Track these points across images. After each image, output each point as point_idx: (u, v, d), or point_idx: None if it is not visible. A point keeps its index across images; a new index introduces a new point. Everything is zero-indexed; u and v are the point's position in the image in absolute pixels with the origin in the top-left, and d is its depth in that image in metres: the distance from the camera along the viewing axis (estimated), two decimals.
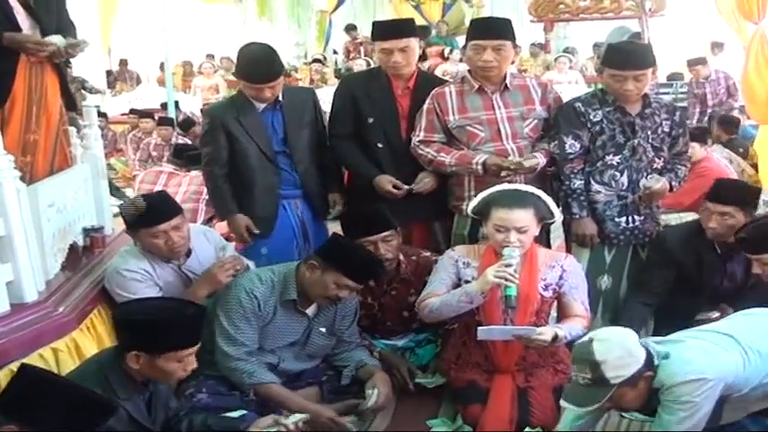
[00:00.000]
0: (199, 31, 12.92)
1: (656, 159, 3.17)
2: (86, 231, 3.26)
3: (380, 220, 3.02)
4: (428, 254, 3.21)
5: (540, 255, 2.85)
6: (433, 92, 3.22)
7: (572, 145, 3.12)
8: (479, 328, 2.67)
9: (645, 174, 3.15)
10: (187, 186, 5.13)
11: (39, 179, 2.90)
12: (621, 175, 3.14)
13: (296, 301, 2.79)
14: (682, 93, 9.66)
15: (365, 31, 11.48)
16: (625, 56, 3.04)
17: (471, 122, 3.15)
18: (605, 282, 3.27)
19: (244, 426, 2.45)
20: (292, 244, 3.35)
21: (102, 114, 8.17)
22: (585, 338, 2.26)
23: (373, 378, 2.84)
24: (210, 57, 12.22)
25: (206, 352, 2.55)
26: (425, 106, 3.21)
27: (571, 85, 9.11)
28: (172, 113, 8.52)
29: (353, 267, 2.70)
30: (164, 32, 8.46)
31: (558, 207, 3.03)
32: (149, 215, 2.75)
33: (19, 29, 2.77)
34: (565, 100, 3.32)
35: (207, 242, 3.05)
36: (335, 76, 10.45)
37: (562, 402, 2.29)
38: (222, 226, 3.70)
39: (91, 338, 2.73)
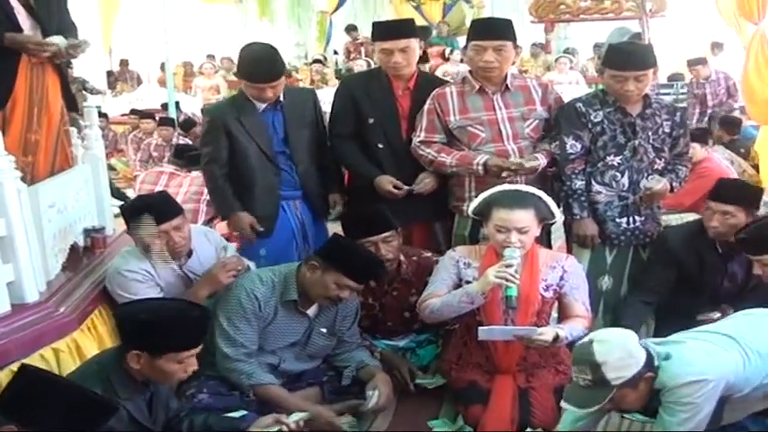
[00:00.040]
0: (199, 31, 12.89)
1: (657, 160, 3.17)
2: (87, 232, 3.26)
3: (381, 220, 3.01)
4: (429, 254, 3.21)
5: (540, 255, 2.84)
6: (433, 92, 3.22)
7: (573, 145, 3.11)
8: (480, 328, 2.67)
9: (646, 174, 3.14)
10: (188, 187, 5.12)
11: (40, 179, 2.90)
12: (622, 176, 3.13)
13: (297, 301, 2.79)
14: (682, 93, 9.64)
15: (365, 31, 11.48)
16: (626, 56, 3.04)
17: (472, 123, 3.15)
18: (606, 282, 3.27)
19: (244, 426, 2.45)
20: (292, 245, 3.35)
21: (102, 115, 8.18)
22: (586, 340, 2.25)
23: (374, 379, 2.84)
24: (211, 57, 12.19)
25: (207, 353, 2.55)
26: (426, 107, 3.21)
27: (572, 86, 9.12)
28: (173, 114, 8.52)
29: (354, 267, 2.70)
30: (164, 33, 8.46)
31: (559, 207, 3.03)
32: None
33: (20, 29, 2.77)
34: (565, 100, 3.32)
35: (208, 243, 3.05)
36: (336, 77, 10.45)
37: (563, 403, 2.29)
38: (222, 226, 3.69)
39: (92, 339, 2.73)
